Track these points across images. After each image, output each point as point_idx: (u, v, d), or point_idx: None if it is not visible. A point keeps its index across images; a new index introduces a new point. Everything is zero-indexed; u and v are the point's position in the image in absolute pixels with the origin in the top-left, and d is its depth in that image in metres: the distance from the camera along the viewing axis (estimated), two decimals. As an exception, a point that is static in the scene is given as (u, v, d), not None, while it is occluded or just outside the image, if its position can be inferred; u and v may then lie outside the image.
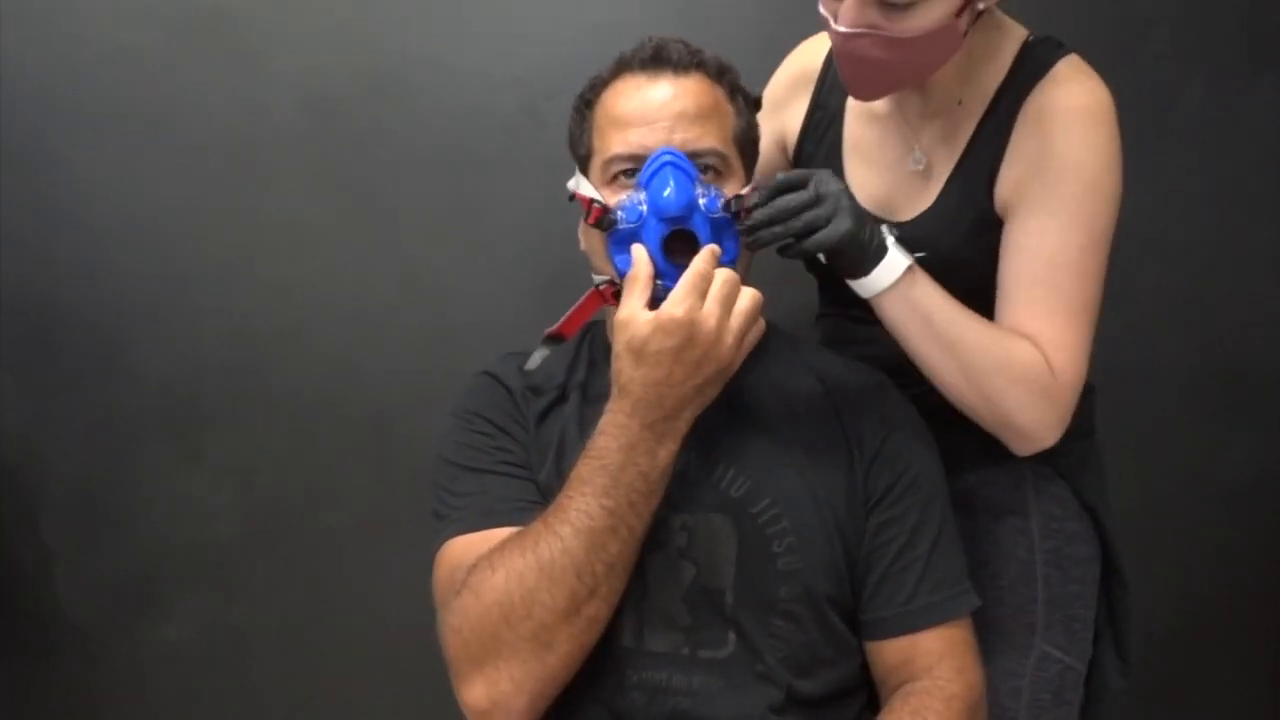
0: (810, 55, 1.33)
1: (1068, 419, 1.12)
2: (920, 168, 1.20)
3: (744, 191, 1.07)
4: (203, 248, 1.77)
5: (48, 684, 1.80)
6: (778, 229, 1.02)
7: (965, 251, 1.16)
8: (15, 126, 1.74)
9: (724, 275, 0.97)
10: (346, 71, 1.75)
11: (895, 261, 1.05)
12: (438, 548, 1.06)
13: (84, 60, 1.74)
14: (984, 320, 1.11)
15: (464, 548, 1.03)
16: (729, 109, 1.10)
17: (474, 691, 0.97)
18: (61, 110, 1.74)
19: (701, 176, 1.04)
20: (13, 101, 1.74)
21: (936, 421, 1.16)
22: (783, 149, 1.36)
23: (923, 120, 1.22)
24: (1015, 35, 1.18)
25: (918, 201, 1.21)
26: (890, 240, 1.06)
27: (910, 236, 1.15)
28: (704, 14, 1.71)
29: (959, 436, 1.16)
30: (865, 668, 1.09)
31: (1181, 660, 1.79)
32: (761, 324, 1.02)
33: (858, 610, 1.07)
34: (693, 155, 1.04)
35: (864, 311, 1.13)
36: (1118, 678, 1.28)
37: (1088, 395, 1.25)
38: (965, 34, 1.10)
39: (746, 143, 1.11)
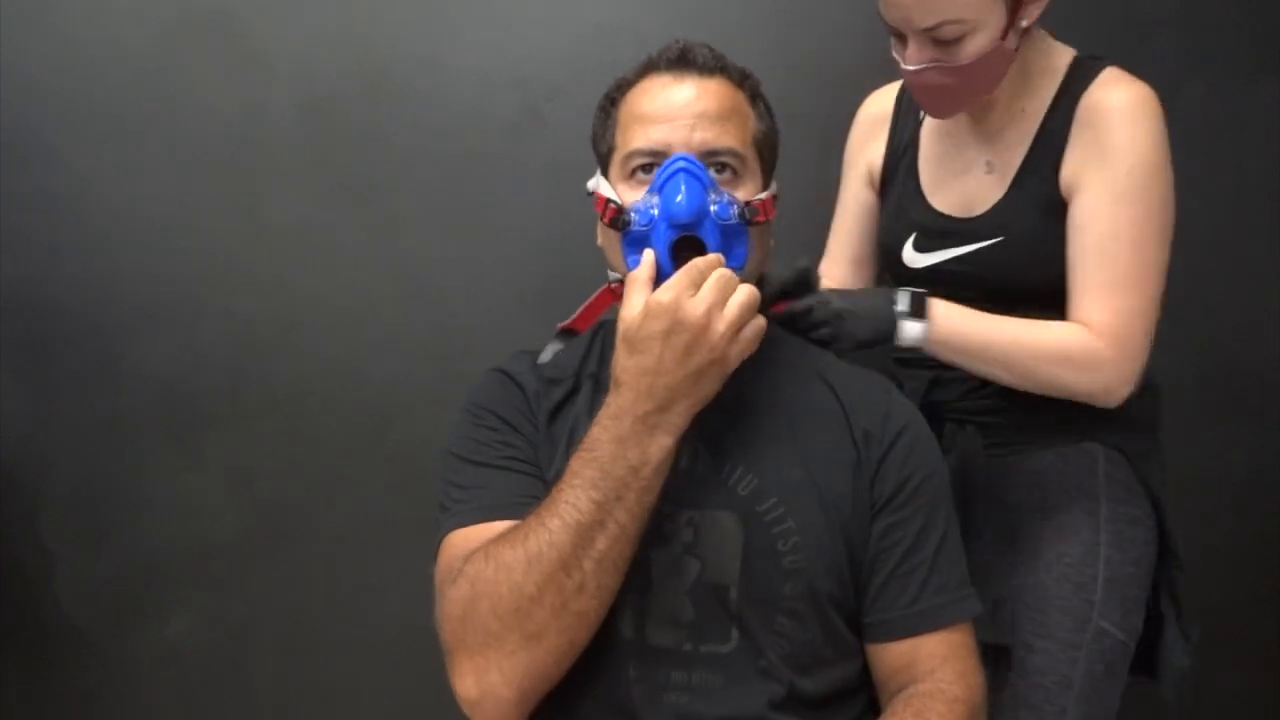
0: (881, 102, 1.51)
1: (1130, 376, 1.23)
2: (992, 173, 1.36)
3: (763, 196, 1.07)
4: (203, 248, 1.77)
5: (48, 684, 1.80)
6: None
7: (1037, 232, 1.30)
8: (15, 126, 1.75)
9: (720, 271, 0.98)
10: (346, 71, 1.75)
11: (912, 328, 1.22)
12: (439, 539, 1.07)
13: (84, 60, 1.74)
14: (1013, 321, 1.25)
15: (463, 540, 1.03)
16: (750, 112, 1.11)
17: (465, 681, 0.97)
18: (61, 110, 1.75)
19: (718, 178, 1.05)
20: (13, 101, 1.74)
21: (1019, 401, 1.31)
22: (870, 183, 1.50)
23: (990, 131, 1.37)
24: (1065, 53, 1.34)
25: (990, 196, 1.34)
26: (899, 305, 1.23)
27: (987, 226, 1.33)
28: (705, 15, 1.71)
29: (1039, 415, 1.32)
30: (866, 670, 1.09)
31: (1181, 660, 1.80)
32: (761, 321, 1.01)
33: (861, 612, 1.07)
34: (711, 154, 1.05)
35: (947, 291, 1.30)
36: (1183, 656, 1.36)
37: (1154, 395, 1.40)
38: (1017, 49, 1.27)
39: (766, 146, 1.12)
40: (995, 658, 1.28)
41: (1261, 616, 1.82)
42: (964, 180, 1.37)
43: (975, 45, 1.22)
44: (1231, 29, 1.75)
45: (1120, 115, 1.26)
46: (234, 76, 1.75)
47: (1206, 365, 1.78)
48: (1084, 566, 1.32)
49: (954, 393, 1.39)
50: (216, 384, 1.78)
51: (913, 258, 1.40)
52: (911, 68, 1.25)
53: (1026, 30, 1.27)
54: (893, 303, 1.24)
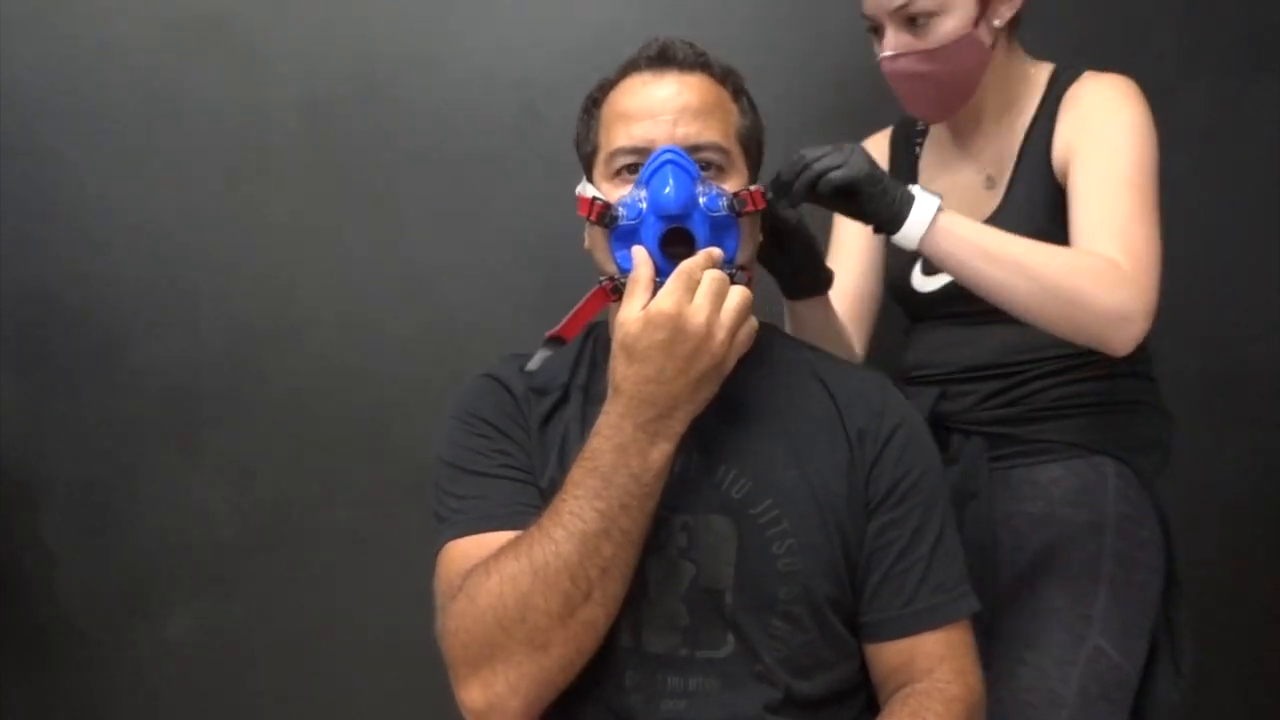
0: (874, 146, 1.50)
1: (1148, 307, 1.18)
2: (992, 188, 1.38)
3: (752, 189, 1.07)
4: (203, 248, 1.77)
5: (48, 684, 1.80)
6: (800, 177, 1.14)
7: (1043, 236, 1.25)
8: (15, 126, 1.75)
9: (712, 274, 0.97)
10: (347, 72, 1.75)
11: (926, 200, 1.16)
12: (438, 550, 1.06)
13: (84, 60, 1.74)
14: (1036, 241, 1.21)
15: (463, 551, 1.03)
16: (733, 107, 1.11)
17: (471, 694, 0.97)
18: (62, 111, 1.75)
19: (703, 173, 1.05)
20: (12, 101, 1.74)
21: (1028, 412, 1.31)
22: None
23: (981, 149, 1.40)
24: (1045, 67, 1.39)
25: (991, 205, 1.36)
26: (916, 187, 1.18)
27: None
28: (704, 15, 1.71)
29: (1048, 426, 1.32)
30: (863, 669, 1.08)
31: (1181, 660, 1.80)
32: (754, 323, 1.01)
33: (857, 612, 1.07)
34: (695, 149, 1.05)
35: (961, 307, 1.32)
36: (1173, 690, 1.32)
37: (1168, 421, 1.41)
38: (992, 48, 1.32)
39: (750, 141, 1.11)
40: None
41: (1261, 618, 1.82)
42: (963, 199, 1.36)
43: (945, 28, 1.28)
44: (1231, 29, 1.75)
45: (1102, 92, 1.31)
46: (234, 77, 1.75)
47: (1207, 365, 1.78)
48: (1084, 579, 1.28)
49: (962, 405, 1.37)
50: (216, 384, 1.78)
51: (922, 281, 1.40)
52: (888, 53, 1.30)
53: (1002, 35, 1.33)
54: (910, 187, 1.19)
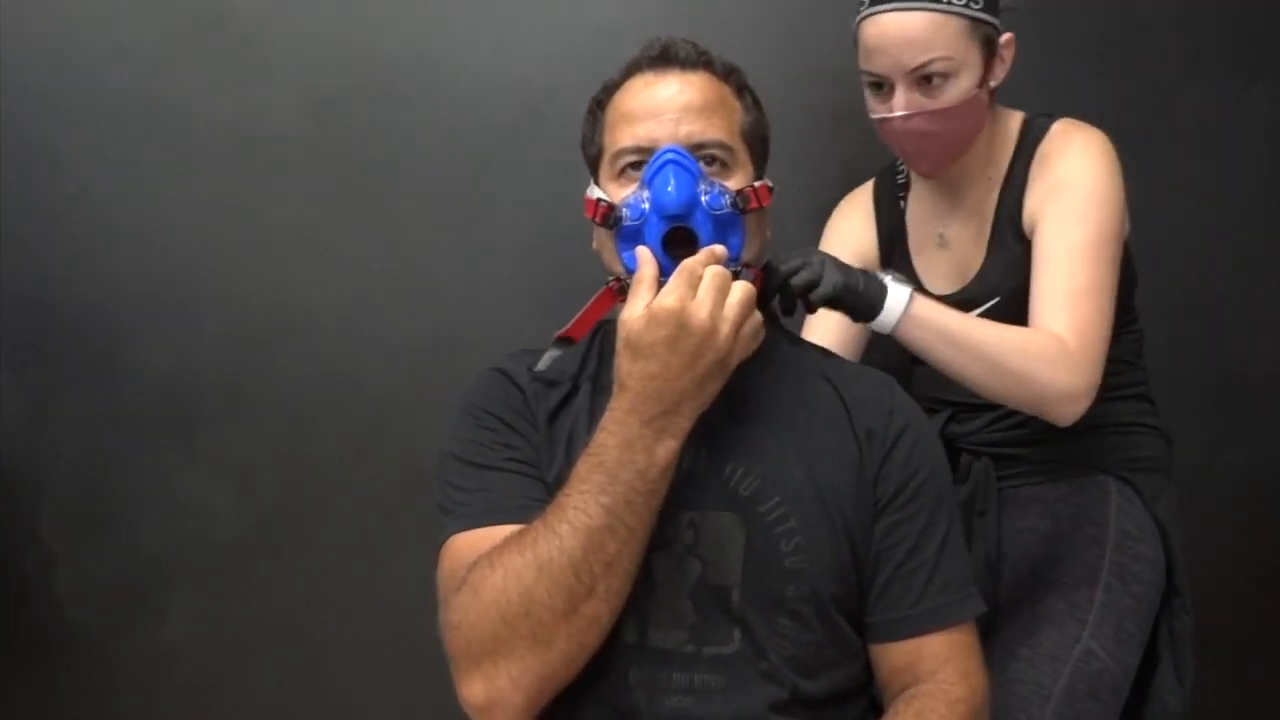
0: (859, 201, 1.56)
1: (1090, 384, 1.25)
2: (977, 245, 1.42)
3: (756, 185, 1.07)
4: (203, 247, 1.77)
5: (48, 684, 1.80)
6: (781, 293, 1.17)
7: (1022, 285, 1.33)
8: (15, 126, 1.75)
9: (714, 270, 0.98)
10: (347, 73, 1.75)
11: (899, 291, 1.20)
12: (442, 543, 1.06)
13: (83, 60, 1.74)
14: (994, 322, 1.28)
15: (467, 544, 1.03)
16: (736, 104, 1.11)
17: (473, 688, 0.97)
18: (62, 112, 1.74)
19: (706, 170, 1.05)
20: (12, 101, 1.74)
21: (1036, 436, 1.36)
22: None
23: (964, 203, 1.44)
24: (1016, 117, 1.43)
25: (976, 261, 1.42)
26: (889, 278, 1.22)
27: (981, 290, 1.39)
28: (705, 15, 1.71)
29: (1056, 448, 1.38)
30: (868, 670, 1.08)
31: (1181, 660, 1.80)
32: (759, 318, 1.02)
33: (863, 612, 1.07)
34: (698, 147, 1.05)
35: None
36: (1174, 699, 1.36)
37: (1167, 442, 1.47)
38: (989, 106, 1.37)
39: (755, 138, 1.12)
40: None
41: (1261, 618, 1.82)
42: (952, 255, 1.44)
43: (958, 88, 1.30)
44: (1231, 29, 1.75)
45: (1069, 154, 1.34)
46: (234, 78, 1.75)
47: (1207, 365, 1.78)
48: (1082, 588, 1.33)
49: (972, 426, 1.44)
50: (216, 384, 1.78)
51: None
52: (900, 113, 1.31)
53: (994, 93, 1.37)
54: (882, 277, 1.23)
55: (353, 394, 1.78)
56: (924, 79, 1.30)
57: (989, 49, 1.32)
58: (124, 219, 1.76)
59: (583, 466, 0.97)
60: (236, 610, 1.80)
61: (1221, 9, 1.75)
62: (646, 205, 1.03)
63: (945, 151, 1.37)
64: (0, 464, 1.78)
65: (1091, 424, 1.32)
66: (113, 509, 1.79)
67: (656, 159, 1.03)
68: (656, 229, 1.03)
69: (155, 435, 1.78)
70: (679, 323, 0.95)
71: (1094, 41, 1.73)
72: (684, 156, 1.03)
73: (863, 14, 1.32)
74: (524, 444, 1.09)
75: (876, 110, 1.35)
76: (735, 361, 1.00)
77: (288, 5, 1.74)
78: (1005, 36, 1.34)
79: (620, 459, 0.96)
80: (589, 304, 1.12)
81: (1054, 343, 1.24)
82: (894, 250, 1.50)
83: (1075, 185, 1.32)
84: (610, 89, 1.13)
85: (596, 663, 1.00)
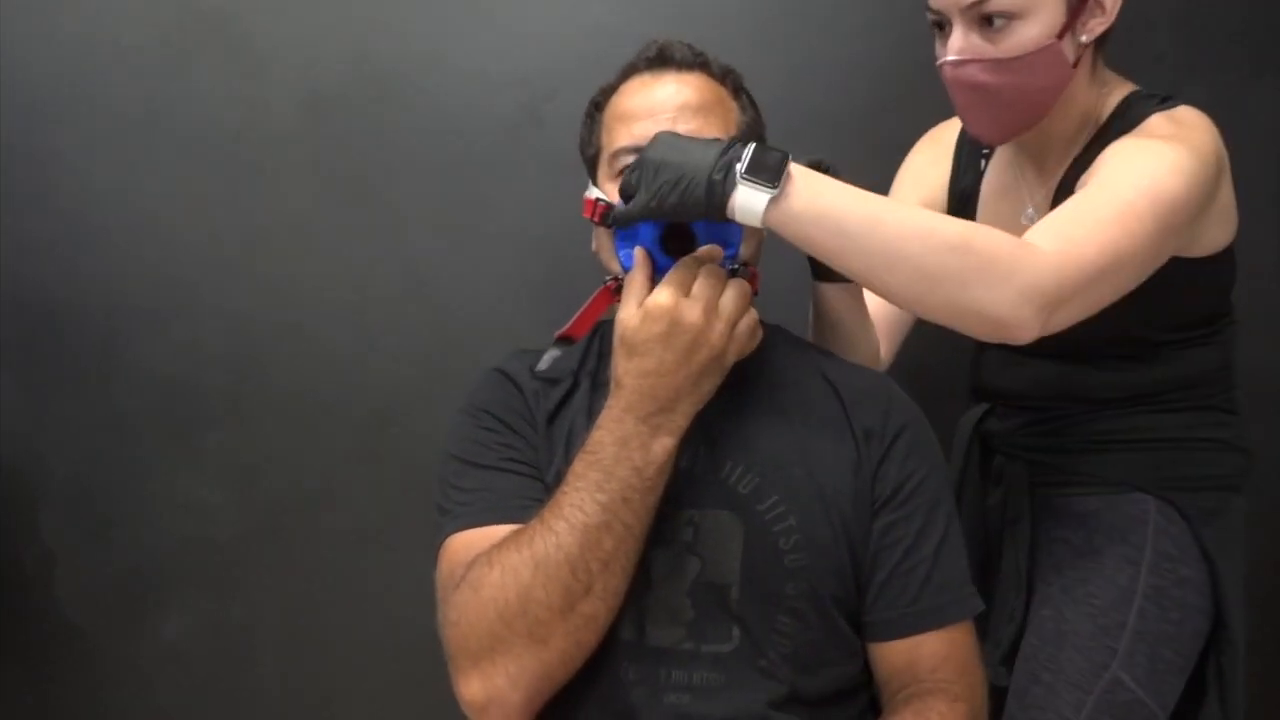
0: (943, 137, 1.36)
1: (1065, 299, 0.98)
2: (1030, 224, 1.16)
3: None
4: (203, 247, 1.77)
5: (48, 684, 1.80)
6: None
7: None
8: (15, 126, 1.75)
9: (708, 268, 0.99)
10: (346, 72, 1.75)
11: (752, 196, 0.93)
12: (440, 542, 1.07)
13: (84, 60, 1.74)
14: (926, 212, 1.04)
15: (465, 544, 1.03)
16: (733, 105, 1.12)
17: (471, 687, 0.97)
18: (61, 110, 1.74)
19: None
20: (13, 101, 1.74)
21: (1073, 442, 1.24)
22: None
23: (1046, 178, 1.24)
24: (1119, 91, 1.20)
25: None
26: (740, 165, 0.93)
27: None
28: (704, 15, 1.71)
29: (1093, 459, 1.25)
30: (867, 668, 1.09)
31: (1181, 660, 1.79)
32: (755, 315, 1.02)
33: (862, 611, 1.07)
34: None
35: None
36: None
37: (1243, 455, 1.30)
38: (1075, 66, 1.13)
39: (751, 138, 1.11)
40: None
41: (1260, 618, 1.81)
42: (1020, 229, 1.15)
43: (1025, 35, 1.08)
44: (1231, 29, 1.75)
45: (1136, 141, 1.12)
46: (234, 77, 1.75)
47: (1206, 365, 1.78)
48: (1113, 611, 1.21)
49: (1008, 425, 1.34)
50: (217, 384, 1.78)
51: None
52: (952, 57, 1.10)
53: (1087, 51, 1.15)
54: (725, 154, 0.94)
55: (353, 394, 1.78)
56: (984, 19, 1.08)
57: None
58: (124, 219, 1.76)
59: (580, 464, 0.98)
60: (236, 610, 1.80)
61: (1221, 9, 1.74)
62: None
63: (1009, 114, 1.13)
64: (0, 464, 1.78)
65: (1131, 438, 1.25)
66: (113, 509, 1.79)
67: None
68: (653, 228, 1.03)
69: (155, 435, 1.78)
70: (672, 319, 0.96)
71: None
72: None
73: None
74: (523, 444, 1.10)
75: (939, 51, 1.15)
76: (732, 359, 1.00)
77: (288, 5, 1.74)
78: None
79: (617, 456, 0.96)
80: (587, 303, 1.12)
81: (1008, 242, 0.96)
82: (963, 215, 1.27)
83: (1147, 149, 1.09)
84: (608, 91, 1.14)
85: (595, 660, 1.00)
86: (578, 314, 1.13)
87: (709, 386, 0.99)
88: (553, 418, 1.11)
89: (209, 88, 1.75)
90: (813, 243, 0.97)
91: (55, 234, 1.76)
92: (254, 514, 1.79)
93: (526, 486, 1.07)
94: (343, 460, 1.79)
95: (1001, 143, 1.22)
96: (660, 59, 1.11)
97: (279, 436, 1.79)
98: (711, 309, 0.97)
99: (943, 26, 1.14)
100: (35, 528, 1.79)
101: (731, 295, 0.98)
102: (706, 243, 1.02)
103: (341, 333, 1.78)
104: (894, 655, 1.06)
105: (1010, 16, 1.08)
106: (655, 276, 1.01)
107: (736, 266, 1.04)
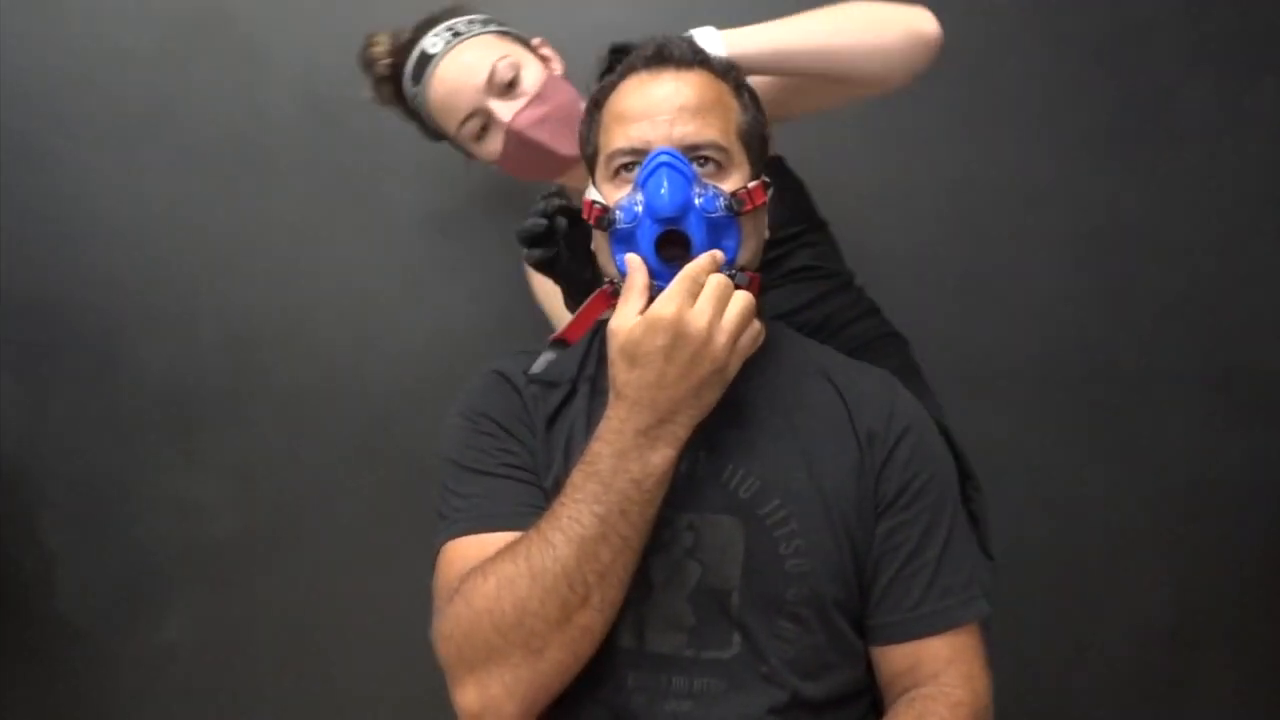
0: None
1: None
2: None
3: (750, 185, 1.06)
4: (203, 247, 1.77)
5: (48, 684, 1.80)
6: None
7: None
8: (15, 126, 1.74)
9: (716, 278, 0.97)
10: (346, 71, 1.74)
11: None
12: (438, 548, 1.06)
13: (84, 60, 1.74)
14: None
15: (462, 551, 1.03)
16: (733, 103, 1.10)
17: (467, 696, 0.97)
18: (61, 110, 1.74)
19: (701, 172, 1.04)
20: (13, 101, 1.74)
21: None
22: None
23: None
24: None
25: None
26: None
27: None
28: (703, 15, 1.70)
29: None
30: (869, 672, 1.08)
31: (1181, 660, 1.79)
32: (758, 326, 1.01)
33: (864, 615, 1.07)
34: (693, 148, 1.04)
35: None
36: (985, 573, 1.28)
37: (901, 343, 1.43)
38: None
39: (752, 137, 1.10)
40: None
41: (1260, 618, 1.81)
42: None
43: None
44: (1231, 29, 1.75)
45: None
46: (234, 77, 1.75)
47: (1207, 365, 1.78)
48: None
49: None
50: (216, 384, 1.78)
51: None
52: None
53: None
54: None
55: (352, 394, 1.78)
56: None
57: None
58: (124, 219, 1.76)
59: (577, 475, 0.97)
60: (236, 610, 1.80)
61: (1221, 9, 1.74)
62: (639, 208, 1.02)
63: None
64: (0, 464, 1.78)
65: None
66: (113, 509, 1.79)
67: (649, 161, 1.02)
68: (649, 232, 1.01)
69: (155, 435, 1.78)
70: (676, 332, 0.94)
71: (1094, 41, 1.73)
72: (677, 159, 1.01)
73: None
74: (521, 449, 1.09)
75: None
76: (734, 371, 0.99)
77: (288, 5, 1.74)
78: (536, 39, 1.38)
79: (615, 468, 0.96)
80: (584, 306, 1.11)
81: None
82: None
83: None
84: (607, 89, 1.12)
85: (595, 667, 1.00)
86: (574, 317, 1.12)
87: (711, 398, 0.98)
88: (552, 422, 1.10)
89: (209, 88, 1.74)
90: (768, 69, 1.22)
91: (55, 234, 1.76)
92: (254, 514, 1.79)
93: (524, 493, 1.07)
94: (342, 461, 1.78)
95: None
96: (658, 57, 1.08)
97: (279, 436, 1.79)
98: (716, 322, 0.95)
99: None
100: (35, 528, 1.79)
101: (737, 309, 0.97)
102: (702, 248, 1.01)
103: (341, 333, 1.77)
104: (897, 659, 1.06)
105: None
106: (653, 285, 1.00)
107: (734, 271, 1.02)
